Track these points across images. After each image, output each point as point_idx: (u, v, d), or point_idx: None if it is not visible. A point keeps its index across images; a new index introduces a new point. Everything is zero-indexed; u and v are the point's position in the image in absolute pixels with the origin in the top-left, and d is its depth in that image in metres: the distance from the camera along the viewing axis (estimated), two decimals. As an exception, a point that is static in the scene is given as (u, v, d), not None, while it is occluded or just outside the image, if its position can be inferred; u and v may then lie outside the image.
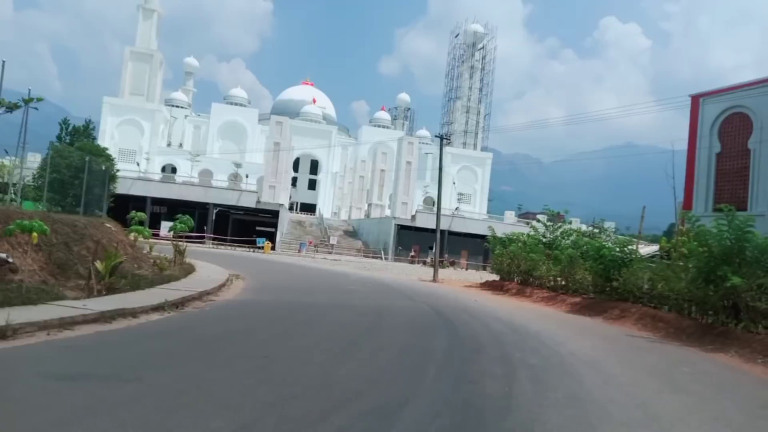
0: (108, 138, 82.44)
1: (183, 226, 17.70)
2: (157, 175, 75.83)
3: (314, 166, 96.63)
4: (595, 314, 15.45)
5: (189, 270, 16.50)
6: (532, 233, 24.18)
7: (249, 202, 52.71)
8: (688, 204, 30.62)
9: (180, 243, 17.65)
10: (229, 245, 49.17)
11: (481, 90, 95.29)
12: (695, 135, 30.02)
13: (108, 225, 17.07)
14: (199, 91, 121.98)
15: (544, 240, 22.90)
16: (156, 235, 26.68)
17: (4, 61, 11.91)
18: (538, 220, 26.01)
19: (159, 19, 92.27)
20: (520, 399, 5.71)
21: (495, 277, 26.08)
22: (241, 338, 8.18)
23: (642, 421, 5.36)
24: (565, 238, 22.59)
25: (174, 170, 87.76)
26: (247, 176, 70.58)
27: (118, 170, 21.91)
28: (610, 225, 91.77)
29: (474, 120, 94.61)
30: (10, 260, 10.29)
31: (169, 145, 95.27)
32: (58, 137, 22.49)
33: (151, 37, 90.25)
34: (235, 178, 76.89)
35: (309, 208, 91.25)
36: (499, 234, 26.25)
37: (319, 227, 64.68)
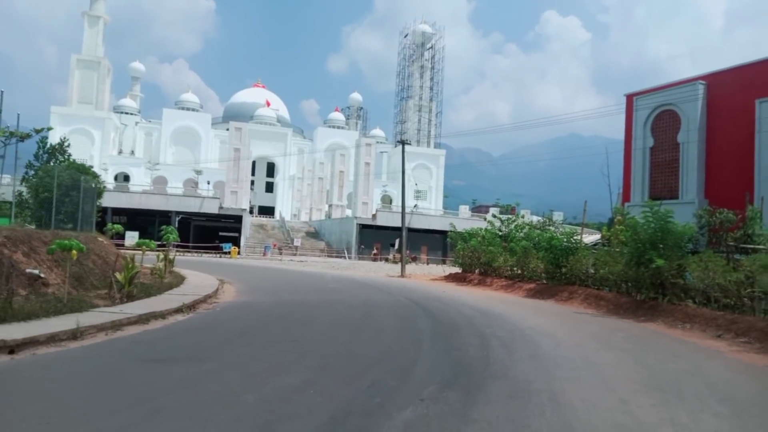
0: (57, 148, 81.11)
1: (170, 236, 18.96)
2: (111, 184, 75.18)
3: (270, 169, 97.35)
4: (548, 297, 17.71)
5: (180, 278, 17.89)
6: (489, 228, 26.39)
7: (212, 208, 53.47)
8: (626, 194, 33.56)
9: (168, 253, 18.87)
10: (195, 252, 49.87)
11: (431, 89, 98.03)
12: (631, 131, 32.94)
13: (100, 239, 18.31)
14: (144, 95, 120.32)
15: (500, 233, 25.16)
16: (120, 246, 27.41)
17: (2, 91, 12.92)
18: (495, 216, 28.21)
19: (105, 25, 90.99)
20: (495, 358, 7.65)
21: (457, 270, 28.24)
22: (265, 329, 9.88)
23: (583, 367, 7.38)
24: (519, 231, 24.89)
25: (126, 179, 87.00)
26: (208, 182, 71.00)
27: (104, 186, 22.89)
28: (558, 215, 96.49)
29: (426, 118, 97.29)
30: (42, 275, 11.64)
31: (120, 153, 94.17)
32: (36, 155, 23.29)
33: (98, 44, 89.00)
34: (196, 185, 77.03)
35: (267, 211, 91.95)
36: (458, 229, 28.38)
37: (281, 230, 65.81)
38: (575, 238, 18.81)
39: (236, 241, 53.40)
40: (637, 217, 15.91)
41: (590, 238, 26.88)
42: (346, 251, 56.06)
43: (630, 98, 33.30)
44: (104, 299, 12.00)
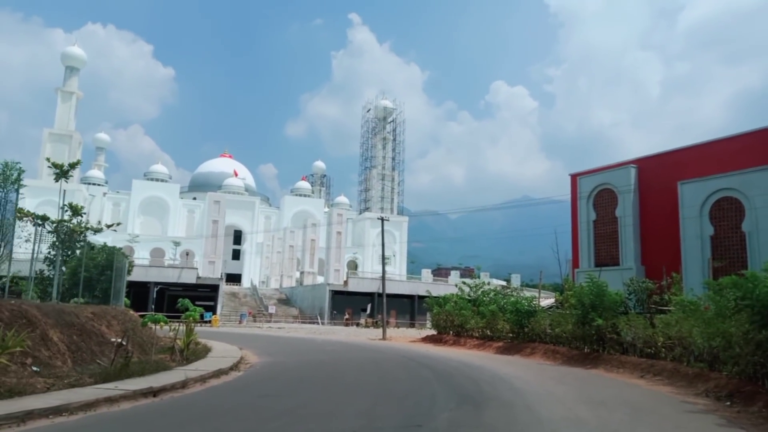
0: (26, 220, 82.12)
1: (194, 314, 21.83)
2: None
3: (237, 237, 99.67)
4: (514, 352, 21.38)
5: (206, 345, 20.84)
6: (459, 293, 30.15)
7: (190, 278, 55.74)
8: (575, 260, 38.12)
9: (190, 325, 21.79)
10: (175, 321, 51.60)
11: (393, 159, 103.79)
12: (576, 205, 37.88)
13: (131, 312, 21.21)
14: (108, 164, 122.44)
15: (469, 298, 28.93)
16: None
17: None
18: (465, 283, 31.96)
19: (77, 100, 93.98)
20: (485, 391, 11.22)
21: (432, 332, 31.70)
22: (311, 379, 13.17)
23: (545, 394, 11.00)
24: (486, 296, 28.73)
25: (92, 249, 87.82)
26: (187, 254, 73.00)
27: (132, 264, 25.68)
28: (516, 278, 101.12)
29: (389, 186, 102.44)
30: (124, 343, 14.66)
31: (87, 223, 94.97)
32: (57, 240, 26.13)
33: (70, 119, 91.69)
34: (177, 256, 78.68)
35: (235, 278, 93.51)
36: (423, 292, 32.05)
37: (253, 297, 68.01)
38: (535, 302, 22.74)
39: (212, 310, 55.46)
40: (583, 283, 19.96)
41: (546, 301, 30.87)
42: (319, 317, 58.70)
43: (574, 177, 38.46)
44: (172, 361, 15.01)
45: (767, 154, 29.02)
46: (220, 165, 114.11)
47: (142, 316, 25.68)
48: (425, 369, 15.34)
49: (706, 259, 30.42)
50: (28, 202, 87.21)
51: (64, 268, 21.55)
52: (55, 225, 21.61)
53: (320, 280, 68.58)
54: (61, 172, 19.41)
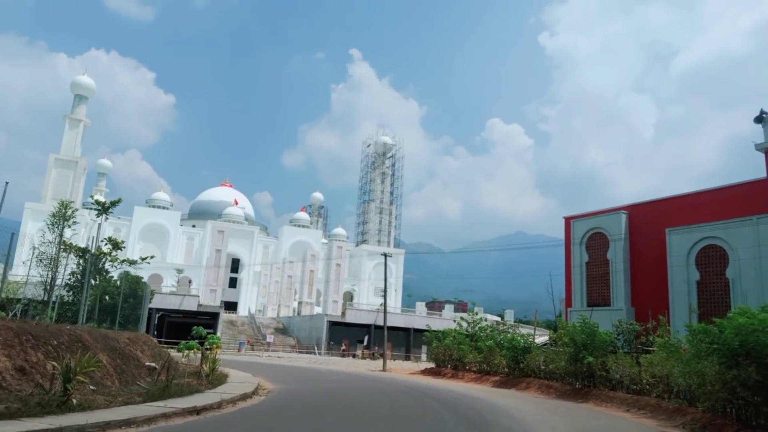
0: (27, 242, 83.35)
1: (216, 341, 23.07)
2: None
3: (234, 265, 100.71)
4: (511, 386, 22.77)
5: (221, 371, 22.13)
6: (457, 328, 31.56)
7: (191, 305, 56.84)
8: (568, 300, 39.63)
9: (214, 352, 23.08)
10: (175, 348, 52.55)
11: (392, 193, 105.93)
12: (569, 247, 39.58)
13: (152, 339, 22.55)
14: (108, 189, 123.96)
15: (467, 333, 30.34)
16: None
17: (7, 183, 16.44)
18: (463, 318, 33.38)
19: (84, 128, 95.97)
20: (488, 419, 12.67)
21: (429, 365, 32.96)
22: (330, 405, 14.57)
23: (541, 422, 12.46)
24: (483, 331, 30.16)
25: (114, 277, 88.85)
26: (190, 281, 74.06)
27: (154, 292, 27.07)
28: (509, 314, 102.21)
29: (387, 220, 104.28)
30: (156, 366, 16.05)
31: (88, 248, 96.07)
32: (84, 269, 27.59)
33: (76, 145, 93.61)
34: (176, 283, 79.77)
35: (231, 306, 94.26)
36: (418, 325, 33.40)
37: (250, 326, 68.90)
38: (530, 339, 24.22)
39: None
40: (575, 323, 21.49)
41: (541, 338, 32.28)
42: (316, 347, 59.63)
43: (568, 220, 40.26)
44: (200, 384, 16.35)
45: (749, 206, 30.90)
46: (220, 194, 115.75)
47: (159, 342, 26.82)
48: (430, 399, 16.75)
49: (693, 302, 32.02)
50: (30, 225, 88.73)
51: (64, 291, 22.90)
52: (95, 257, 22.91)
53: (317, 310, 69.67)
54: (103, 209, 20.80)
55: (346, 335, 60.87)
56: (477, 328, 30.87)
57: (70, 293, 25.41)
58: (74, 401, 9.87)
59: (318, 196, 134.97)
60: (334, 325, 60.17)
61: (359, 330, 60.69)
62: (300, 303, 70.14)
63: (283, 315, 74.86)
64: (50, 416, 9.23)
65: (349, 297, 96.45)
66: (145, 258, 24.35)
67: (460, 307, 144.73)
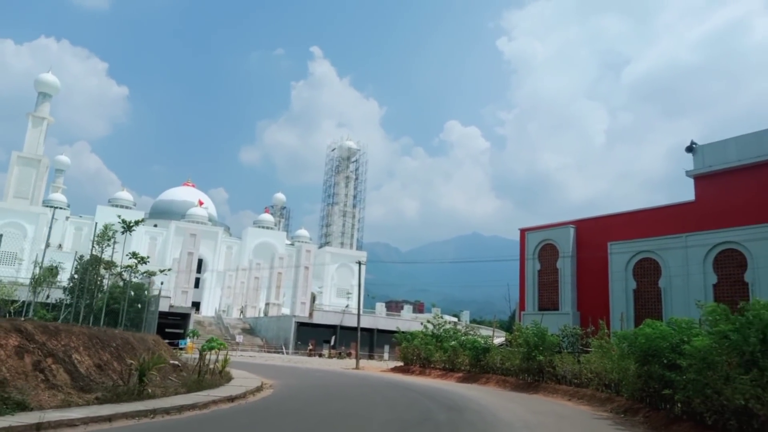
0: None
1: (223, 345, 25.57)
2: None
3: (198, 265, 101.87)
4: (473, 381, 26.32)
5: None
6: (424, 330, 35.00)
7: (163, 306, 58.45)
8: (522, 304, 43.66)
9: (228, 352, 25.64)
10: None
11: (355, 197, 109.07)
12: (524, 256, 43.61)
13: (160, 339, 25.11)
14: (66, 186, 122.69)
15: (433, 334, 33.81)
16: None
17: None
18: (429, 321, 36.83)
19: (48, 125, 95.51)
20: (461, 404, 16.07)
21: (394, 363, 36.31)
22: (332, 395, 17.68)
23: (501, 407, 15.93)
24: (447, 333, 33.69)
25: (50, 271, 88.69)
26: (162, 283, 74.91)
27: (159, 295, 29.36)
28: (465, 314, 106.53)
29: (350, 222, 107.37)
30: (179, 365, 18.81)
31: (48, 246, 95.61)
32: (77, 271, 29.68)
33: (39, 143, 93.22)
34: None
35: (194, 306, 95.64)
36: (381, 326, 36.66)
37: (218, 326, 70.85)
38: (490, 340, 27.84)
39: (181, 337, 58.29)
40: (528, 326, 25.17)
41: (498, 340, 36.01)
42: (284, 347, 62.24)
43: (523, 232, 44.31)
44: (215, 379, 19.17)
45: (680, 225, 35.36)
46: (183, 193, 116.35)
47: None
48: (410, 391, 20.09)
49: (631, 308, 36.40)
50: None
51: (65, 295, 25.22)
52: (121, 270, 24.87)
53: (284, 311, 72.13)
54: (127, 227, 23.10)
55: (312, 335, 63.65)
56: (441, 330, 34.37)
57: (77, 297, 27.64)
58: (149, 390, 12.74)
59: (280, 196, 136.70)
60: (301, 325, 62.88)
61: (325, 330, 63.60)
62: (267, 304, 72.47)
63: (250, 316, 76.95)
64: (135, 402, 12.09)
65: (312, 298, 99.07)
66: (164, 270, 26.62)
67: (417, 307, 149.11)
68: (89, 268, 29.20)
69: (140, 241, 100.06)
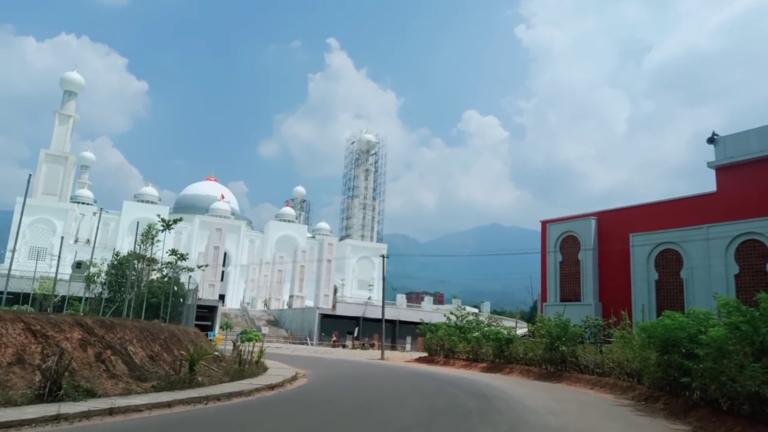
0: (20, 237, 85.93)
1: (257, 336, 26.80)
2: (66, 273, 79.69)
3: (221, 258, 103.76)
4: (496, 371, 27.10)
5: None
6: (447, 321, 35.80)
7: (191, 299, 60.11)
8: (544, 295, 44.21)
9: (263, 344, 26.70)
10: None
11: (375, 189, 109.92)
12: (545, 248, 44.10)
13: (199, 332, 26.28)
14: (91, 182, 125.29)
15: (457, 326, 34.60)
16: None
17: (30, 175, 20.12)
18: (452, 313, 37.63)
19: (74, 123, 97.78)
20: (487, 393, 16.87)
21: (417, 354, 37.20)
22: (363, 385, 18.59)
23: (526, 395, 16.71)
24: (470, 324, 34.45)
25: (79, 266, 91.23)
26: (190, 277, 76.71)
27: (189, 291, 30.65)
28: (486, 305, 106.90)
29: (370, 215, 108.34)
30: (219, 355, 19.87)
31: (76, 241, 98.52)
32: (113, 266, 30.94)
33: (66, 141, 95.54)
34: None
35: (219, 299, 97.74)
36: (402, 317, 37.34)
37: (243, 318, 72.47)
38: (513, 332, 28.55)
39: (210, 329, 59.91)
40: (551, 317, 25.85)
41: (521, 331, 36.65)
42: (308, 338, 63.57)
43: (544, 224, 44.78)
44: (252, 369, 20.19)
45: (701, 216, 35.60)
46: (206, 188, 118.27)
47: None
48: (437, 381, 20.95)
49: (653, 299, 36.80)
50: (24, 219, 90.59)
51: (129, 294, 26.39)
52: (163, 265, 25.93)
53: (308, 303, 73.48)
54: (167, 226, 24.16)
55: (336, 327, 64.90)
56: (464, 322, 35.13)
57: (116, 292, 28.90)
58: (199, 379, 13.75)
59: (300, 190, 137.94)
60: (325, 317, 64.14)
61: (348, 322, 64.78)
62: (291, 297, 73.83)
63: (274, 308, 78.50)
64: (188, 390, 13.10)
65: (334, 290, 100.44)
66: (201, 266, 27.78)
67: (437, 298, 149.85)
68: (126, 263, 30.51)
69: (165, 235, 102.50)
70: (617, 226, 40.15)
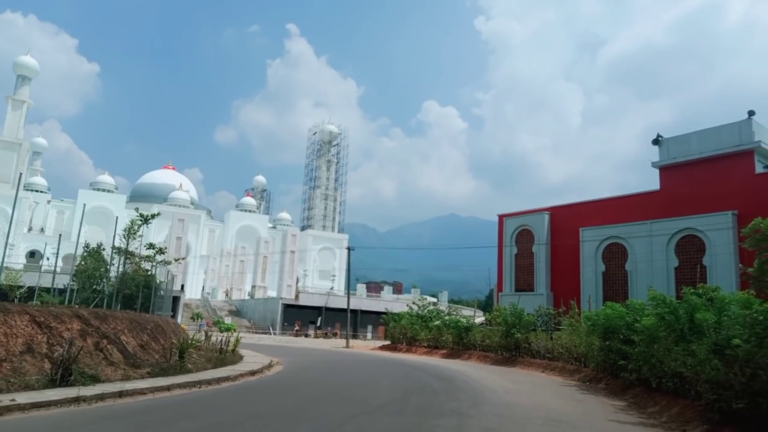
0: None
1: (233, 326, 27.86)
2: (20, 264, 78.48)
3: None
4: (456, 357, 28.95)
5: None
6: (410, 311, 37.56)
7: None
8: (500, 285, 46.48)
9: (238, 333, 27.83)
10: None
11: (336, 180, 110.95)
12: (502, 240, 46.33)
13: (177, 323, 27.15)
14: (44, 169, 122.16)
15: (418, 315, 36.39)
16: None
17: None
18: (415, 303, 39.40)
19: (28, 109, 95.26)
20: (450, 376, 18.57)
21: (380, 342, 38.87)
22: (340, 370, 20.02)
23: (482, 378, 18.47)
24: (431, 313, 36.29)
25: (32, 255, 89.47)
26: (168, 271, 76.38)
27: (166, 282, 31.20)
28: (443, 294, 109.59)
29: (332, 206, 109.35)
30: (199, 344, 20.91)
31: (30, 230, 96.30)
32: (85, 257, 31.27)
33: (20, 127, 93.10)
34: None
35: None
36: (364, 307, 39.01)
37: (205, 308, 72.78)
38: (471, 320, 30.46)
39: (173, 319, 60.18)
40: (507, 306, 27.83)
41: (479, 319, 38.73)
42: (271, 328, 64.52)
43: (501, 218, 47.00)
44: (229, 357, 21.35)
45: (645, 212, 38.28)
46: (163, 176, 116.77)
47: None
48: (404, 366, 22.57)
49: (600, 289, 39.41)
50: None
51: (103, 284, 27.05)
52: (141, 259, 26.35)
53: (270, 293, 74.26)
54: (144, 220, 24.77)
55: (298, 316, 66.03)
56: (425, 311, 36.96)
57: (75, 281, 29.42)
58: (189, 366, 14.92)
59: (261, 179, 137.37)
60: (288, 307, 65.19)
61: (311, 311, 66.00)
62: (254, 287, 74.47)
63: (236, 298, 78.94)
64: (180, 375, 14.27)
65: (296, 281, 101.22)
66: (178, 259, 28.49)
67: (396, 288, 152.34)
68: (97, 255, 30.95)
69: (122, 224, 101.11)
70: (569, 220, 42.62)
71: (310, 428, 8.50)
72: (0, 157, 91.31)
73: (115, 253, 22.90)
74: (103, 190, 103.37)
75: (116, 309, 20.99)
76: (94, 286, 27.12)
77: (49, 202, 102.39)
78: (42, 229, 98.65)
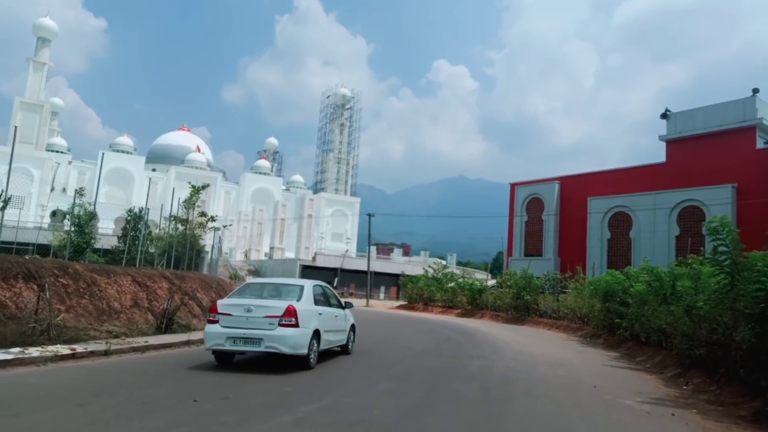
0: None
1: None
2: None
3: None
4: (470, 316, 31.87)
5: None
6: (426, 274, 40.43)
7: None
8: (510, 250, 49.20)
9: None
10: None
11: (349, 144, 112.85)
12: (513, 208, 48.81)
13: (230, 281, 30.05)
14: (60, 129, 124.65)
15: (435, 277, 39.27)
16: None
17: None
18: (430, 266, 42.20)
19: (48, 70, 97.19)
20: (468, 332, 21.41)
21: (396, 302, 41.93)
22: (370, 325, 22.92)
23: (497, 334, 21.29)
24: (446, 276, 39.15)
25: (54, 215, 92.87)
26: (220, 237, 79.83)
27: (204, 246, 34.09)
28: (452, 257, 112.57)
29: (344, 169, 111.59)
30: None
31: (52, 190, 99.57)
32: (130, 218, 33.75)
33: (41, 88, 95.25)
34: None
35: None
36: (378, 269, 41.69)
37: (226, 267, 76.19)
38: (484, 283, 33.29)
39: (197, 278, 63.61)
40: (517, 271, 30.60)
41: (491, 282, 41.64)
42: (289, 287, 67.83)
43: (513, 186, 49.37)
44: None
45: (650, 183, 40.54)
46: (179, 138, 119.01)
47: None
48: (426, 323, 25.48)
49: (604, 255, 42.04)
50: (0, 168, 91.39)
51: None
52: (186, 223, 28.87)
53: (288, 255, 77.45)
54: (195, 190, 27.21)
55: (315, 277, 68.75)
56: (441, 274, 39.82)
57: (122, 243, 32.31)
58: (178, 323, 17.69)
59: (273, 141, 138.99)
60: (305, 268, 68.33)
61: (328, 273, 69.11)
62: (272, 248, 77.62)
63: (254, 259, 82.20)
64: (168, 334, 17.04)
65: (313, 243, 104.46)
66: (226, 225, 31.20)
67: (405, 250, 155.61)
68: (139, 219, 33.66)
69: (142, 185, 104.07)
70: (578, 189, 44.96)
71: (378, 365, 11.26)
72: (23, 119, 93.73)
73: (173, 221, 25.45)
74: (123, 152, 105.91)
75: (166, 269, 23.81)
76: (141, 248, 29.96)
77: (70, 162, 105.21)
78: (64, 189, 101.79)
